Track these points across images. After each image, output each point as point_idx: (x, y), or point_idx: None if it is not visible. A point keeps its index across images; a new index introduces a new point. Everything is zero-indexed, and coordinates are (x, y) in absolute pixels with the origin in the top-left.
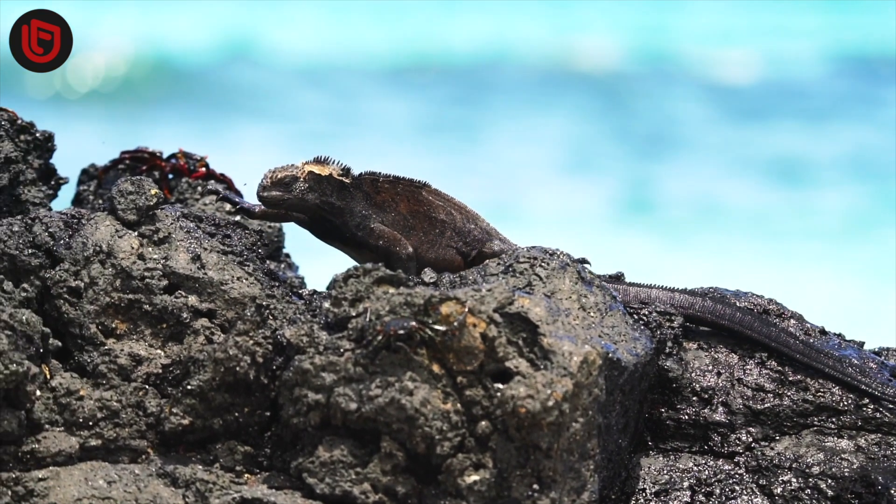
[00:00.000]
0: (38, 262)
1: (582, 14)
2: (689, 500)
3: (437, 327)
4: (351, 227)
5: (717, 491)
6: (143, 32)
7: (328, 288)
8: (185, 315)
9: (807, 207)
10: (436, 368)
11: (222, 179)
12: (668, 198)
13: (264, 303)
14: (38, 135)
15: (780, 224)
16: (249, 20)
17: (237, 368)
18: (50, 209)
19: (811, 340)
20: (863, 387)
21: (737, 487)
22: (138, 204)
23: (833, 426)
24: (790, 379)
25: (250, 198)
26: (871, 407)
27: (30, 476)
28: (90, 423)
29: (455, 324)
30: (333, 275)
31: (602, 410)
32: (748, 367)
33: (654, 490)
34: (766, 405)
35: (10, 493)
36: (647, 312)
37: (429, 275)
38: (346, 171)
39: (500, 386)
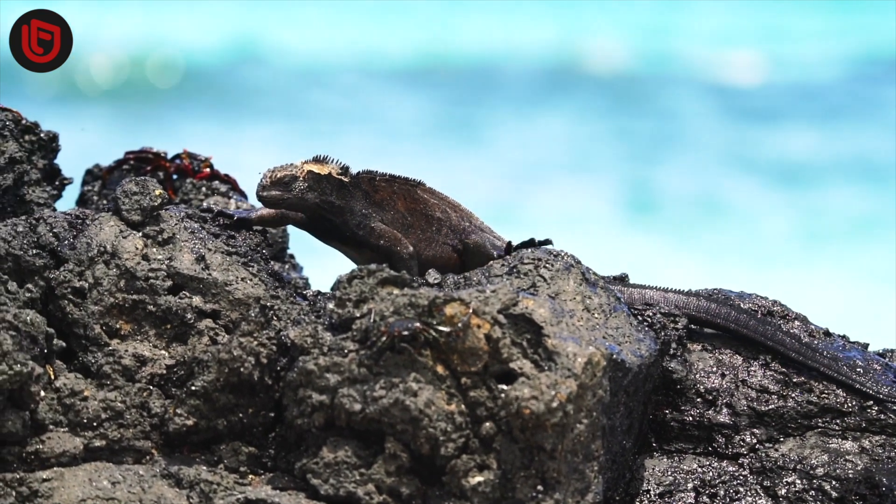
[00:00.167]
0: (42, 263)
1: (587, 15)
2: (693, 501)
3: (441, 328)
4: (351, 226)
5: (722, 492)
6: (149, 33)
7: (332, 289)
8: (189, 316)
9: (811, 209)
10: (440, 369)
11: (226, 180)
12: (673, 198)
13: (268, 304)
14: (42, 135)
15: (785, 225)
16: (256, 20)
17: (241, 369)
18: (54, 209)
19: (815, 342)
20: (857, 385)
21: (741, 489)
22: (143, 204)
23: (837, 428)
24: (794, 380)
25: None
26: (876, 409)
27: (34, 477)
28: (94, 424)
29: (459, 325)
30: (337, 276)
31: (606, 412)
32: (752, 368)
33: (658, 491)
34: (770, 407)
35: (14, 493)
36: (651, 314)
37: (433, 276)
38: (344, 170)
39: (505, 387)
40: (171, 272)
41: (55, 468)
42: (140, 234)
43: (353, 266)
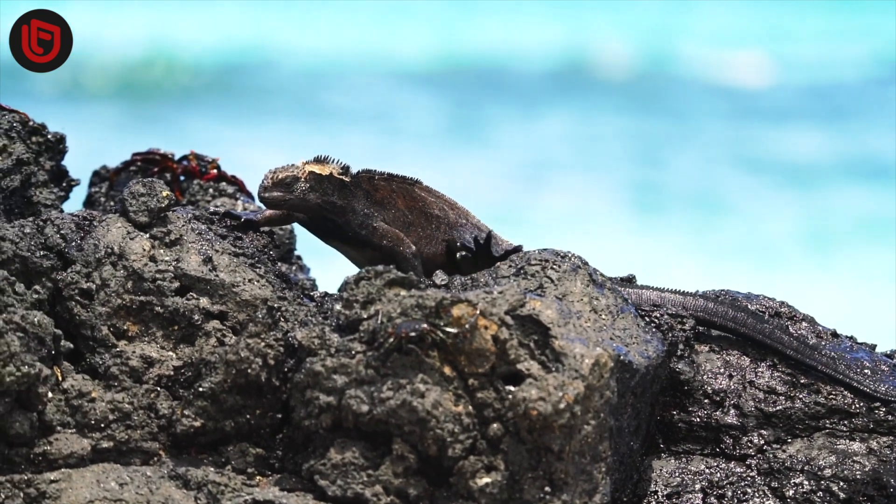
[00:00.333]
0: (49, 264)
1: (594, 16)
2: (700, 502)
3: (448, 329)
4: (354, 225)
5: (729, 493)
6: (158, 33)
7: (339, 290)
8: (196, 317)
9: (818, 210)
10: (447, 371)
11: (234, 181)
12: (679, 199)
13: (276, 305)
14: (49, 136)
15: (791, 226)
16: (265, 21)
17: (249, 370)
18: (62, 211)
19: (822, 343)
20: (854, 384)
21: (748, 490)
22: (150, 206)
23: (845, 429)
24: (802, 381)
25: None
26: (884, 410)
27: (42, 478)
28: (102, 425)
29: (466, 326)
30: (345, 277)
31: (614, 413)
32: (760, 369)
33: (665, 492)
34: (777, 408)
35: (22, 494)
36: (658, 315)
37: (440, 277)
38: (345, 170)
39: (512, 388)
40: (179, 273)
41: (63, 469)
42: (147, 235)
43: (353, 266)
